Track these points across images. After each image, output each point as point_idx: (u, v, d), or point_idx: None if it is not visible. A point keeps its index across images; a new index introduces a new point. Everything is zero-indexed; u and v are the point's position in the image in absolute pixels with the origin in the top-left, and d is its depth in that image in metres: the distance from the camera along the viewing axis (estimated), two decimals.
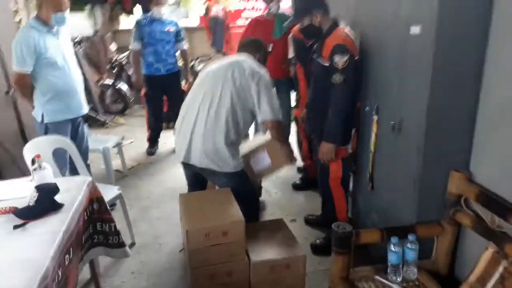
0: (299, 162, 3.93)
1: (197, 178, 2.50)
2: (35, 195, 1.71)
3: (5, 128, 3.22)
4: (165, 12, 4.20)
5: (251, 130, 4.09)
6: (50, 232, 1.58)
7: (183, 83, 4.61)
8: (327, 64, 2.33)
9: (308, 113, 2.72)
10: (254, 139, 2.58)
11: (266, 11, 3.92)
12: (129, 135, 5.15)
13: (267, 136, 2.53)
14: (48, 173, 1.85)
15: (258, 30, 3.94)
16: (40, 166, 1.83)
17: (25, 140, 3.49)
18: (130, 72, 6.04)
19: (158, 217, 3.15)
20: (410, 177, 1.99)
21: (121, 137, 4.32)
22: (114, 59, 5.74)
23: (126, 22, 7.77)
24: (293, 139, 3.80)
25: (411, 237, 1.82)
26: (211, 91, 2.33)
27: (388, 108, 2.15)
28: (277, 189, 3.58)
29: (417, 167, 1.94)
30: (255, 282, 1.95)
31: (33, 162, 1.87)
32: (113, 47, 5.87)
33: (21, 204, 1.77)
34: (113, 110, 6.00)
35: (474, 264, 1.66)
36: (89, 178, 2.05)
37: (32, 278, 1.32)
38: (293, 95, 4.14)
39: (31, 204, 1.71)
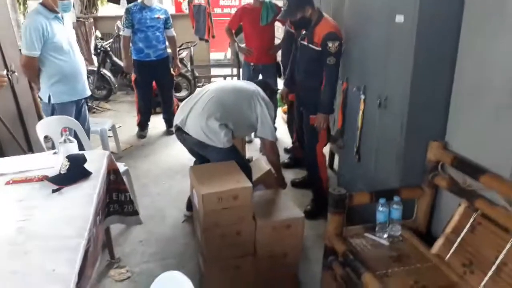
0: (287, 144, 4.21)
1: (195, 151, 2.72)
2: (66, 164, 1.89)
3: (3, 108, 3.31)
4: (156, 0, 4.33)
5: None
6: (85, 195, 1.78)
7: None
8: (319, 49, 2.62)
9: (299, 91, 3.02)
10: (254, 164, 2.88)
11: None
12: (117, 120, 5.24)
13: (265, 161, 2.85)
14: (73, 146, 2.03)
15: (246, 17, 4.16)
16: (67, 140, 2.00)
17: (22, 121, 3.59)
18: (114, 58, 6.13)
19: (158, 192, 3.35)
20: (394, 148, 2.28)
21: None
22: (99, 45, 5.78)
23: (107, 9, 7.80)
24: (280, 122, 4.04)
25: (396, 198, 2.11)
26: (224, 88, 2.61)
27: (375, 88, 2.42)
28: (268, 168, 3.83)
29: (400, 139, 2.22)
30: (260, 240, 2.20)
31: (57, 135, 2.03)
32: (98, 33, 5.91)
33: (50, 173, 1.95)
34: (98, 96, 6.06)
35: (449, 218, 1.97)
36: (107, 152, 2.24)
37: (82, 228, 1.52)
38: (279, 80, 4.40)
39: (62, 172, 1.89)
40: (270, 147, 2.67)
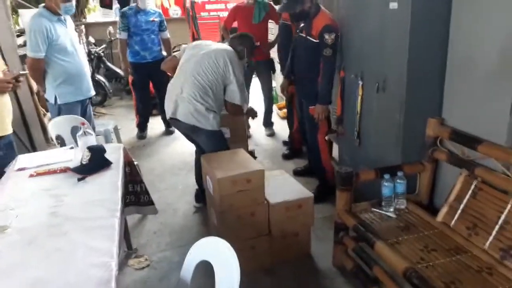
0: (284, 137, 4.33)
1: (189, 136, 2.85)
2: (88, 154, 1.98)
3: None
4: (150, 3, 4.41)
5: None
6: (110, 182, 1.87)
7: None
8: (316, 41, 2.75)
9: (298, 82, 3.14)
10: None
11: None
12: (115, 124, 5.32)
13: None
14: (92, 138, 2.12)
15: (239, 15, 4.28)
16: (86, 132, 2.08)
17: (25, 124, 3.65)
18: (108, 64, 6.19)
19: (165, 188, 3.44)
20: (394, 128, 2.41)
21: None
22: (93, 51, 5.84)
23: (96, 16, 7.84)
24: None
25: (399, 173, 2.24)
26: (197, 67, 2.65)
27: (372, 73, 2.55)
28: (268, 160, 3.95)
29: (399, 119, 2.36)
30: (274, 221, 2.31)
31: (77, 128, 2.12)
32: (91, 39, 5.96)
33: (70, 165, 2.03)
34: (93, 101, 6.08)
35: (451, 188, 2.10)
36: (122, 145, 2.33)
37: (114, 210, 1.61)
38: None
39: (84, 162, 1.98)
40: (230, 108, 2.76)
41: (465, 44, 2.06)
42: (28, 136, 3.62)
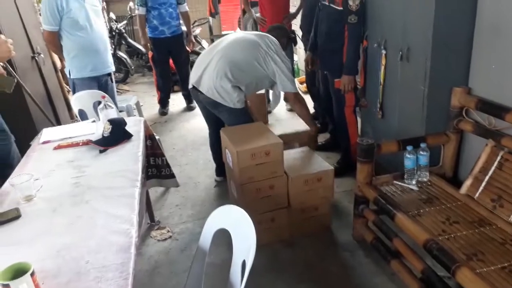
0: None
1: (209, 112, 2.77)
2: (109, 127, 2.01)
3: (34, 89, 3.43)
4: None
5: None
6: (131, 153, 1.91)
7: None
8: (340, 9, 2.66)
9: (322, 54, 3.05)
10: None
11: None
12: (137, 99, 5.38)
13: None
14: (113, 111, 2.15)
15: None
16: (106, 105, 2.11)
17: (50, 100, 3.72)
18: (129, 40, 6.22)
19: (186, 163, 3.48)
20: (418, 98, 2.34)
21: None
22: (114, 27, 5.86)
23: None
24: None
25: (422, 145, 2.18)
26: (234, 44, 2.64)
27: (395, 41, 2.47)
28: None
29: (423, 89, 2.28)
30: (293, 193, 2.31)
31: (99, 103, 2.15)
32: (112, 15, 5.98)
33: (92, 138, 2.07)
34: (115, 78, 6.16)
35: (477, 159, 2.04)
36: (142, 118, 2.35)
37: (134, 180, 1.64)
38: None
39: (105, 135, 2.01)
40: (294, 98, 2.73)
41: (493, 11, 1.96)
42: (53, 112, 3.70)
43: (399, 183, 2.25)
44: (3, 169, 2.03)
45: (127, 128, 2.11)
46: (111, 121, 2.02)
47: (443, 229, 1.82)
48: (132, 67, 6.18)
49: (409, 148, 2.18)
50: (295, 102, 2.75)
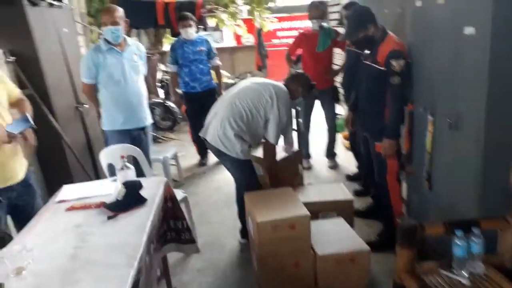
0: (350, 170, 4.02)
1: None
2: (123, 190, 1.90)
3: (75, 139, 3.51)
4: (192, 32, 4.32)
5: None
6: (139, 223, 1.76)
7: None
8: (383, 68, 2.46)
9: (362, 115, 2.84)
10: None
11: (312, 25, 4.07)
12: (180, 149, 5.38)
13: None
14: (131, 173, 2.05)
15: (303, 43, 4.14)
16: (124, 166, 2.02)
17: (90, 150, 3.78)
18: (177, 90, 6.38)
19: (217, 220, 3.31)
20: (471, 172, 2.04)
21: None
22: (164, 79, 6.05)
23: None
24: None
25: (475, 230, 1.86)
26: (240, 93, 2.68)
27: (444, 108, 2.21)
28: None
29: (477, 163, 1.99)
30: (322, 274, 2.05)
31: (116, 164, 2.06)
32: (162, 67, 6.19)
33: (108, 199, 1.97)
34: (163, 126, 6.28)
35: None
36: (165, 179, 2.24)
37: (132, 257, 1.49)
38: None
39: (119, 199, 1.91)
40: (270, 145, 2.74)
41: None
42: (93, 164, 3.73)
43: (447, 273, 1.91)
44: (25, 225, 1.97)
45: (144, 189, 2.00)
46: (126, 184, 1.92)
47: None
48: (180, 116, 6.28)
49: (458, 233, 1.86)
50: (269, 148, 2.76)
